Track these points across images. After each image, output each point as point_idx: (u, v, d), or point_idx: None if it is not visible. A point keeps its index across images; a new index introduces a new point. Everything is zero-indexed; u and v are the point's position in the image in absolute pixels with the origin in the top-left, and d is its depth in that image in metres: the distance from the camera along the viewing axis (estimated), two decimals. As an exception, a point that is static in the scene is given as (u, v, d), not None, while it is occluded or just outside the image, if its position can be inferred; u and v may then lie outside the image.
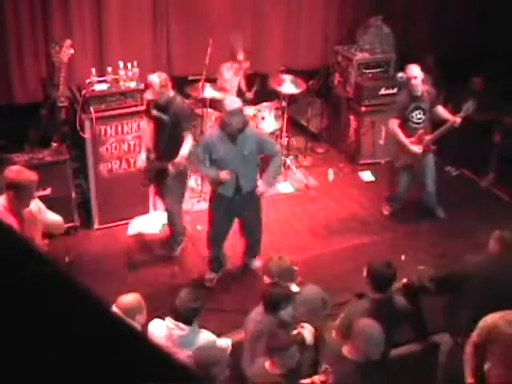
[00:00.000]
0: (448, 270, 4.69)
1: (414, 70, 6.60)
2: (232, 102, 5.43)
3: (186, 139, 5.79)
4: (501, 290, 4.38)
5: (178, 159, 5.71)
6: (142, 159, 6.05)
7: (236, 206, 5.62)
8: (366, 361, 3.80)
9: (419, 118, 6.70)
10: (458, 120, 6.49)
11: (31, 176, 4.29)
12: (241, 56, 7.80)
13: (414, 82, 6.60)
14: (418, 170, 6.88)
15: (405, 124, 6.70)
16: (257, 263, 5.99)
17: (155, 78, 5.73)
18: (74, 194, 6.41)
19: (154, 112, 5.91)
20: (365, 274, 4.37)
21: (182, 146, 5.76)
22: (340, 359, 3.87)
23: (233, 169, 5.40)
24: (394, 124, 6.74)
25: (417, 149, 6.66)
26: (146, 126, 6.18)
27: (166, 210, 6.27)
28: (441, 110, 6.76)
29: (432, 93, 6.77)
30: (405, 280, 4.89)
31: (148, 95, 6.22)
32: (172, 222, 6.26)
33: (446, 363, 4.63)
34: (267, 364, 3.89)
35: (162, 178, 5.95)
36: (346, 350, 3.89)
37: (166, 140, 5.83)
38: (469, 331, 4.19)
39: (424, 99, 6.67)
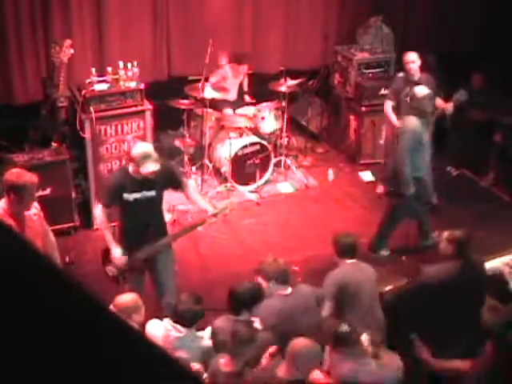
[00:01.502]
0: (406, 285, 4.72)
1: (411, 56, 6.79)
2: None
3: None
4: (455, 297, 4.38)
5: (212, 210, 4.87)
6: (118, 255, 4.80)
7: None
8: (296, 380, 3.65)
9: None
10: (450, 107, 6.62)
11: (32, 178, 4.28)
12: (223, 61, 7.78)
13: (408, 66, 6.79)
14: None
15: (399, 107, 6.84)
16: None
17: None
18: (74, 194, 6.41)
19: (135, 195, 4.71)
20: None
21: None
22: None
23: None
24: (387, 105, 7.00)
25: None
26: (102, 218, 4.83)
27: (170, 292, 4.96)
28: (438, 100, 6.82)
29: (431, 82, 6.83)
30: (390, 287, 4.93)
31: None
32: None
33: None
34: (223, 361, 3.81)
35: (150, 263, 4.93)
36: (281, 371, 3.71)
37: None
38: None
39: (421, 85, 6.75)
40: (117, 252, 4.76)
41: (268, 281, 4.39)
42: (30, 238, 4.15)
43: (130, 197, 4.63)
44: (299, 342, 3.70)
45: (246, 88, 8.23)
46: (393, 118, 6.90)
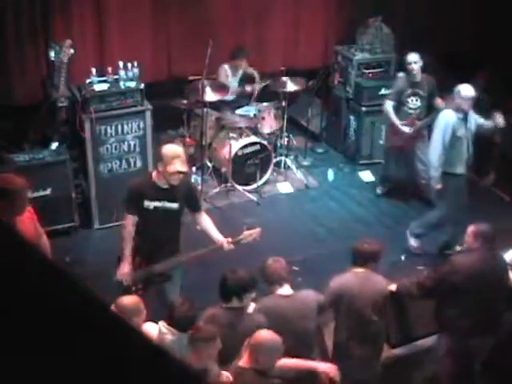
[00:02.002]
0: (436, 273, 4.68)
1: (413, 57, 6.79)
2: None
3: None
4: (485, 285, 4.44)
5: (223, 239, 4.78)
6: (122, 271, 4.71)
7: None
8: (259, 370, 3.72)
9: (416, 105, 6.82)
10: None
11: (22, 183, 4.19)
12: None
13: (410, 67, 6.78)
14: (408, 156, 6.98)
15: (400, 108, 6.89)
16: None
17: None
18: (74, 194, 6.41)
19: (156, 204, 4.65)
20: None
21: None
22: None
23: None
24: (388, 105, 6.96)
25: (407, 129, 6.79)
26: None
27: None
28: (438, 100, 6.83)
29: (432, 82, 6.84)
30: (393, 286, 4.91)
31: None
32: None
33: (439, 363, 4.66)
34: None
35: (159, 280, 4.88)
36: (243, 361, 3.79)
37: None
38: (459, 329, 4.27)
39: (423, 87, 6.78)
40: (125, 268, 4.67)
41: (268, 281, 4.39)
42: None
43: (150, 204, 4.57)
44: (262, 334, 3.76)
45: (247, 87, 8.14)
46: (393, 117, 6.90)
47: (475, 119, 6.18)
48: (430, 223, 6.37)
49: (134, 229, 4.64)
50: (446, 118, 5.97)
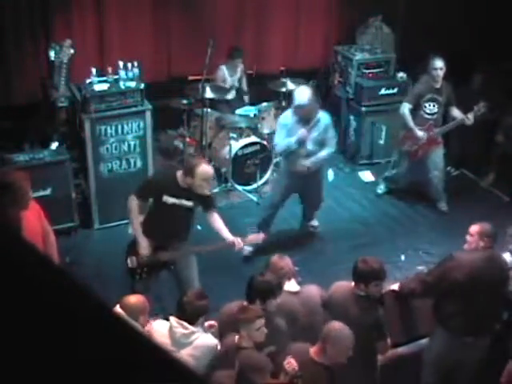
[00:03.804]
0: (438, 268, 4.68)
1: (438, 62, 6.70)
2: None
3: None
4: (485, 284, 4.42)
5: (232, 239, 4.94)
6: (145, 245, 4.88)
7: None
8: (333, 364, 3.80)
9: (432, 110, 6.79)
10: (471, 118, 6.59)
11: (22, 177, 4.24)
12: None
13: (436, 73, 6.71)
14: (422, 161, 6.95)
15: (417, 112, 6.84)
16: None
17: None
18: (74, 194, 6.41)
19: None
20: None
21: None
22: (307, 362, 3.85)
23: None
24: (405, 107, 6.88)
25: (422, 134, 6.76)
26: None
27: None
28: (455, 110, 6.81)
29: (450, 89, 6.82)
30: (395, 286, 4.90)
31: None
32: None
33: (440, 355, 4.65)
34: (237, 338, 3.91)
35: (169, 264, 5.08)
36: (312, 352, 3.88)
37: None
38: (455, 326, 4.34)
39: (442, 93, 6.74)
40: (144, 242, 4.83)
41: (277, 275, 4.41)
42: (28, 238, 4.12)
43: (168, 200, 4.78)
44: (337, 327, 3.82)
45: (245, 88, 8.23)
46: (410, 120, 6.83)
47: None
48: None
49: (139, 210, 4.86)
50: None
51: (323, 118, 5.96)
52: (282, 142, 5.95)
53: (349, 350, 3.79)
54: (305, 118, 5.83)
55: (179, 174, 4.80)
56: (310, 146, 5.91)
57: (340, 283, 4.56)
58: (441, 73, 6.70)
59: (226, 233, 5.01)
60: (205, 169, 4.74)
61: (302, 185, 6.20)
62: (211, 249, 5.24)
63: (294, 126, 5.88)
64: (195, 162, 4.80)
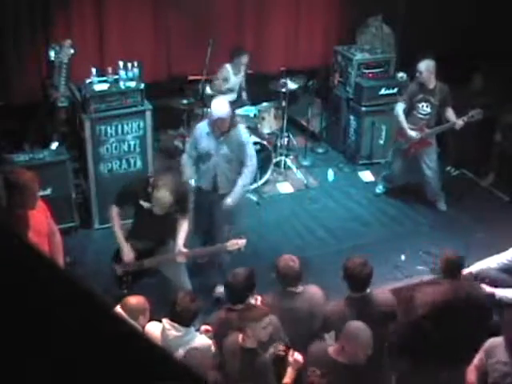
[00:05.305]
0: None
1: (421, 65, 6.72)
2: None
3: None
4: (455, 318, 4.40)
5: (182, 249, 4.94)
6: (128, 253, 4.92)
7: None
8: (353, 363, 3.81)
9: (425, 111, 6.80)
10: (461, 123, 6.60)
11: (32, 177, 4.29)
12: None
13: (419, 75, 6.75)
14: (416, 161, 6.97)
15: (411, 112, 6.87)
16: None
17: None
18: (74, 194, 6.41)
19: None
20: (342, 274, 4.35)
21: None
22: (326, 360, 3.86)
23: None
24: (399, 107, 6.94)
25: (414, 134, 6.79)
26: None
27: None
28: (449, 111, 6.80)
29: (445, 91, 6.81)
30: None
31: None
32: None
33: None
34: (240, 337, 3.92)
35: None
36: (332, 351, 3.89)
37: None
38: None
39: (435, 94, 6.74)
40: (126, 248, 4.89)
41: (281, 278, 4.42)
42: (35, 238, 4.14)
43: (144, 204, 4.80)
44: (357, 326, 3.83)
45: (243, 85, 8.19)
46: (403, 119, 6.87)
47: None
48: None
49: (119, 218, 4.96)
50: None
51: (238, 134, 5.52)
52: (188, 151, 5.73)
53: (368, 348, 3.78)
54: (217, 131, 5.41)
55: (152, 179, 4.83)
56: (220, 162, 5.49)
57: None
58: (422, 75, 6.70)
59: (180, 240, 4.93)
60: (162, 195, 4.62)
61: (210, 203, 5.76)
62: (198, 253, 5.26)
63: (203, 137, 5.51)
64: (160, 184, 4.65)
